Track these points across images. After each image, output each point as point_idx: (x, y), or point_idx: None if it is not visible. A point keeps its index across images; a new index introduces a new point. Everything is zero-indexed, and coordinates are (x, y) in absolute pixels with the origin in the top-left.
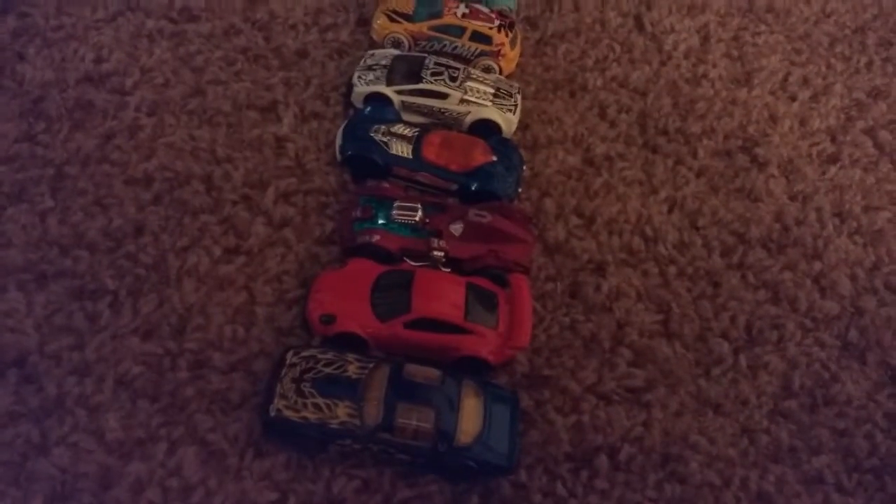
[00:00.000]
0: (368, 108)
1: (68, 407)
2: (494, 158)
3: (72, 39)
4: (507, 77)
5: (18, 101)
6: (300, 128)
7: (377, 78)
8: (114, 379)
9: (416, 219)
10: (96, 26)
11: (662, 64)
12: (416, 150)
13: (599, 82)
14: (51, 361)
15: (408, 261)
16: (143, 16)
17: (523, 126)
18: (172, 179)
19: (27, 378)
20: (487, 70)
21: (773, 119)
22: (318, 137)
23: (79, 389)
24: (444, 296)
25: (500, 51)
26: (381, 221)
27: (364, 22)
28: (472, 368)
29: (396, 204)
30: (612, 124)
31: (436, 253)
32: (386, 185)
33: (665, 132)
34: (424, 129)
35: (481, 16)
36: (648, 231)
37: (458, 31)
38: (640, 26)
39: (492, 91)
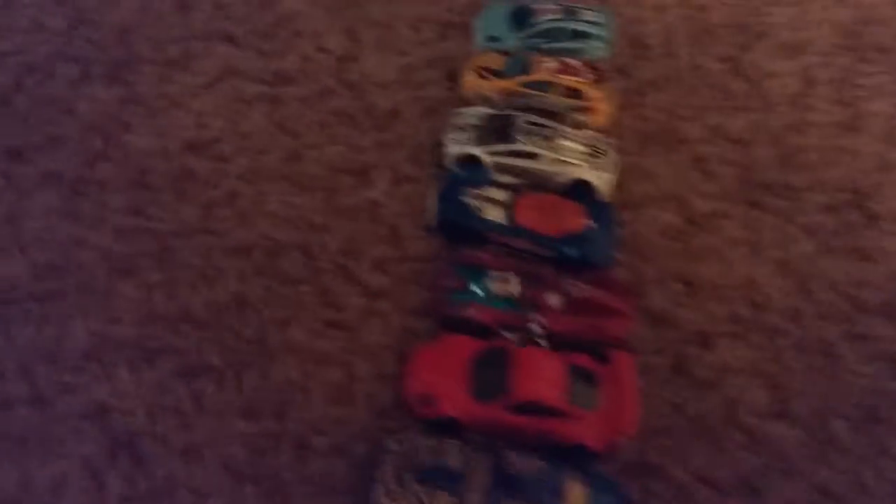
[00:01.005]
0: (461, 171)
1: (175, 492)
2: (590, 223)
3: (174, 107)
4: (600, 132)
5: (125, 173)
6: (394, 192)
7: (468, 139)
8: (219, 462)
9: (513, 291)
10: (197, 93)
11: (763, 111)
12: (509, 215)
13: (697, 133)
14: (159, 444)
15: (505, 334)
16: (240, 81)
17: (618, 183)
18: (271, 249)
19: (137, 461)
20: (579, 126)
21: (885, 167)
22: (411, 201)
23: (185, 473)
24: (544, 377)
25: (592, 105)
26: (476, 292)
27: (454, 77)
28: (576, 454)
29: (492, 275)
30: (713, 179)
31: (533, 327)
32: (480, 253)
33: (769, 186)
34: (517, 192)
35: (572, 70)
36: (756, 297)
37: (549, 86)
38: (737, 71)
39: (585, 149)
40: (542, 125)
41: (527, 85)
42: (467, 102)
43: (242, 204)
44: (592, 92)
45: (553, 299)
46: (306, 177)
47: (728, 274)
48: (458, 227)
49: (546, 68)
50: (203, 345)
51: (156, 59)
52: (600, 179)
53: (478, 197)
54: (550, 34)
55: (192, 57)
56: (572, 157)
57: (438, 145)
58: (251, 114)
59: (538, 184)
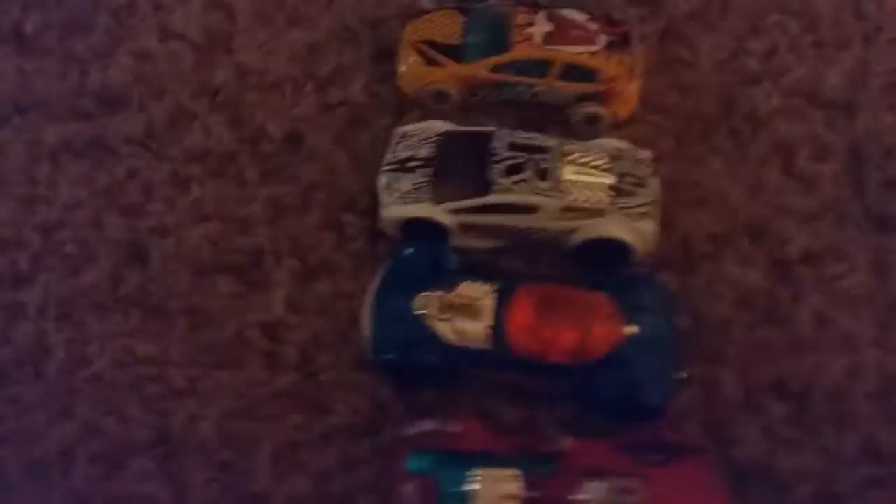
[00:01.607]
0: (409, 250)
1: None
2: (633, 330)
3: None
4: (623, 129)
5: None
6: (302, 297)
7: (416, 186)
8: None
9: (514, 493)
10: None
11: (867, 43)
12: (497, 331)
13: (775, 101)
14: None
15: None
16: (43, 117)
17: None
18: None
19: None
20: (592, 121)
21: None
22: (333, 313)
23: None
24: None
25: (612, 88)
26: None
27: (385, 55)
28: None
29: (478, 473)
30: (809, 183)
31: None
32: (457, 426)
33: None
34: (508, 284)
35: (575, 32)
36: None
37: (542, 67)
38: None
39: (610, 181)
40: (535, 148)
41: (505, 68)
42: (412, 104)
43: (50, 373)
44: (612, 66)
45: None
46: (153, 296)
47: (855, 369)
48: (410, 366)
49: (532, 34)
50: None
51: None
52: (638, 234)
53: (442, 307)
54: None
55: None
56: (590, 200)
57: (369, 195)
58: (59, 178)
59: (534, 244)
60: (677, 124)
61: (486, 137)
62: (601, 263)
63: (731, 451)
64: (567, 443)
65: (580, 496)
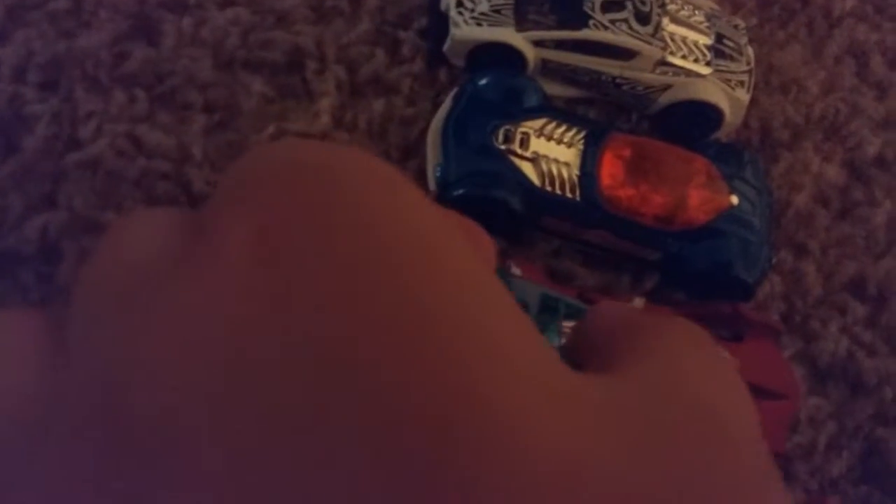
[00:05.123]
0: (485, 80)
1: None
2: (734, 201)
3: None
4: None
5: None
6: (352, 112)
7: (496, 8)
8: None
9: None
10: None
11: None
12: (587, 182)
13: (848, 4)
14: None
15: None
16: None
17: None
18: None
19: None
20: None
21: None
22: (385, 137)
23: None
24: None
25: None
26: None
27: None
28: None
29: (565, 303)
30: (881, 89)
31: None
32: (517, 269)
33: None
34: (597, 129)
35: None
36: None
37: None
38: None
39: (708, 42)
40: None
41: None
42: None
43: None
44: None
45: None
46: (163, 83)
47: None
48: (486, 204)
49: None
50: None
51: None
52: (734, 103)
53: (523, 143)
54: None
55: None
56: (689, 61)
57: (430, 13)
58: None
59: (619, 102)
60: (757, 6)
61: None
62: (683, 132)
63: (811, 345)
64: (640, 303)
65: None
